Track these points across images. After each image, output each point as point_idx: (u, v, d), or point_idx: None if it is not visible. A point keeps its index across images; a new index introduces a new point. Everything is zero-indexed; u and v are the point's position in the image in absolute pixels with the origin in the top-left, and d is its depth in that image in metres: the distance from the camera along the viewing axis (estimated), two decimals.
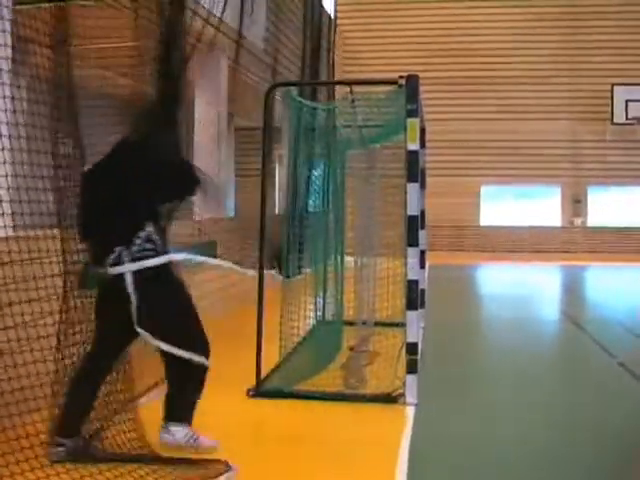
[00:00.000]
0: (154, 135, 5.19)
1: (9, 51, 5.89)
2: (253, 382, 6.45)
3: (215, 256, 10.08)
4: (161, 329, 4.77)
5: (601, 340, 9.15)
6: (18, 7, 6.32)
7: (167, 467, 4.51)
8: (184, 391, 5.08)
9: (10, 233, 5.08)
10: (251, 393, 6.36)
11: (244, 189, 18.57)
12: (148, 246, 4.75)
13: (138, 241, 4.73)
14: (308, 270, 8.27)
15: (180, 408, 5.06)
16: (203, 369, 5.06)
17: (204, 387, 5.13)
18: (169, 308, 4.87)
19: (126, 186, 4.78)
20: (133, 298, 4.66)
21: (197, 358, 4.97)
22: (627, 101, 23.47)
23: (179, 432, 4.99)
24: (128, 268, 4.67)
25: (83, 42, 6.19)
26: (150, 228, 4.79)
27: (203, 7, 9.91)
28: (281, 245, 7.23)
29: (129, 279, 4.67)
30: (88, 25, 6.48)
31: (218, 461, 4.57)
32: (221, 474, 4.42)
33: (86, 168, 5.16)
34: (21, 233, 5.19)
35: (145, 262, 4.70)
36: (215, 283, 10.22)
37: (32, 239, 4.95)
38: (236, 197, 19.78)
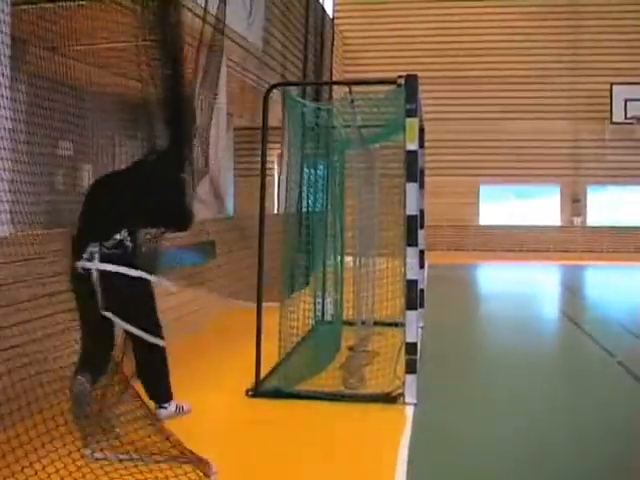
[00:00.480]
0: (162, 159, 5.75)
1: (7, 51, 5.89)
2: (252, 382, 6.45)
3: (214, 256, 10.09)
4: (124, 315, 5.37)
5: (600, 339, 9.15)
6: (16, 7, 6.31)
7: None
8: (158, 372, 5.72)
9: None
10: (250, 393, 6.36)
11: (243, 189, 18.56)
12: (117, 251, 5.37)
13: (110, 243, 5.36)
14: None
15: (163, 388, 5.73)
16: (163, 349, 5.71)
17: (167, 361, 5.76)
18: (129, 297, 5.43)
19: (118, 200, 5.48)
20: (98, 289, 5.28)
21: (156, 340, 5.61)
22: (626, 100, 23.45)
23: (171, 407, 5.69)
24: (96, 266, 5.30)
25: (85, 42, 6.20)
26: (125, 234, 5.42)
27: (201, 7, 9.91)
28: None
29: (95, 274, 5.29)
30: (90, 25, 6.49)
31: (202, 461, 4.50)
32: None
33: (99, 176, 5.80)
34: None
35: (107, 266, 5.32)
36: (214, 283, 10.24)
37: None
38: (235, 197, 19.76)
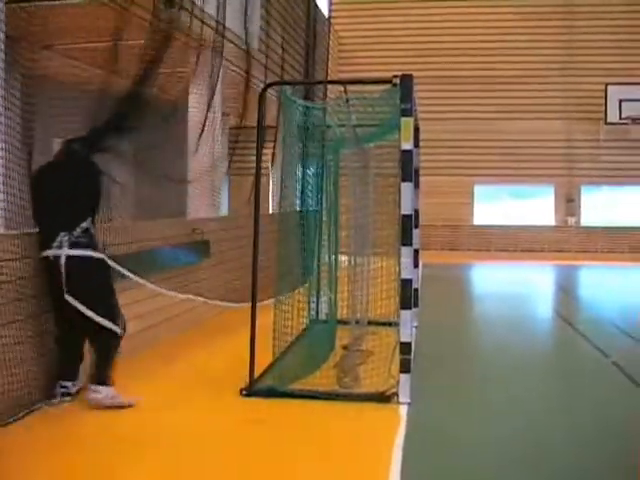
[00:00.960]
0: (100, 148, 6.39)
1: (1, 52, 5.89)
2: (246, 381, 6.44)
3: (209, 255, 10.08)
4: (85, 300, 5.85)
5: (595, 340, 9.16)
6: (9, 5, 6.31)
7: None
8: (106, 356, 6.05)
9: None
10: (244, 392, 6.35)
11: (238, 188, 18.53)
12: (83, 239, 5.92)
13: (77, 231, 5.90)
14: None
15: (104, 372, 6.02)
16: (118, 336, 6.06)
17: (118, 352, 6.14)
18: (92, 284, 5.97)
19: (74, 188, 6.02)
20: (63, 274, 5.78)
21: (113, 326, 5.99)
22: (621, 101, 23.49)
23: (104, 391, 5.96)
24: (65, 252, 5.82)
25: (76, 40, 6.21)
26: (89, 222, 6.02)
27: (196, 5, 9.91)
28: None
29: (62, 259, 5.80)
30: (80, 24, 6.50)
31: None
32: None
33: (37, 167, 6.34)
34: None
35: (76, 251, 5.87)
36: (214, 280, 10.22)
37: None
38: (229, 196, 19.74)
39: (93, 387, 5.97)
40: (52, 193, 6.00)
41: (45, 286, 6.01)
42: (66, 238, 5.84)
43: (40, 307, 6.01)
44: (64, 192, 5.96)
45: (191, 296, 8.95)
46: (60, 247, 5.83)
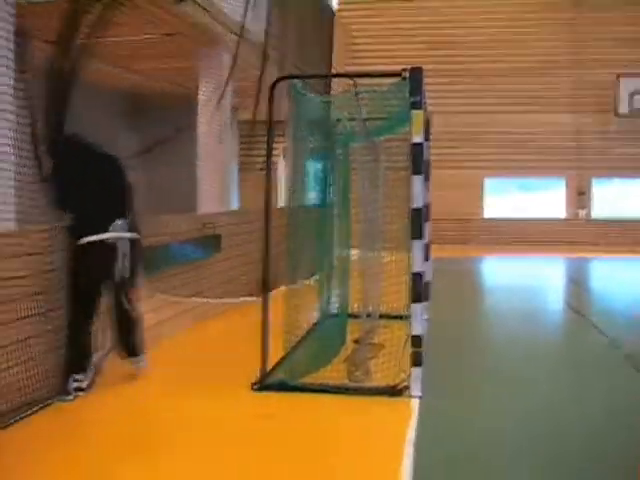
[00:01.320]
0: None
1: (11, 45, 5.90)
2: (258, 375, 6.45)
3: (219, 250, 10.09)
4: (136, 281, 6.69)
5: (607, 332, 9.14)
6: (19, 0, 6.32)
7: None
8: (139, 330, 6.80)
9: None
10: (256, 386, 6.36)
11: (248, 182, 18.54)
12: (132, 225, 6.55)
13: (129, 217, 6.51)
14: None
15: (141, 343, 6.79)
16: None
17: None
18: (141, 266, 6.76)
19: (123, 178, 6.75)
20: (121, 256, 6.37)
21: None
22: (632, 93, 23.37)
23: (144, 357, 6.78)
24: (128, 235, 6.45)
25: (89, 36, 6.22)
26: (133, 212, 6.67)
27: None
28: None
29: (123, 243, 6.40)
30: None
31: None
32: None
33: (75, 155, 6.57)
34: None
35: (133, 235, 6.54)
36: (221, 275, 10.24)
37: None
38: (240, 190, 19.76)
39: (137, 358, 6.74)
40: (104, 182, 6.50)
41: (72, 275, 6.23)
42: (124, 223, 6.40)
43: (54, 302, 6.08)
44: (116, 181, 6.64)
45: (196, 299, 9.02)
46: (119, 231, 6.35)
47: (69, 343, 6.19)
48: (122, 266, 6.37)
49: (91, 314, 6.35)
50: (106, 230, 6.28)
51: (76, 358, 6.21)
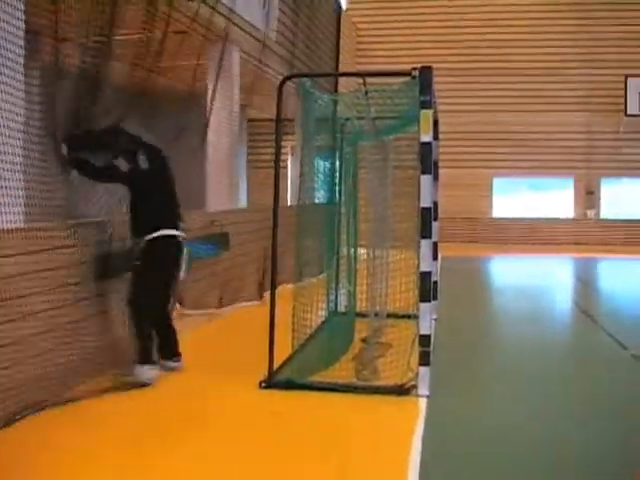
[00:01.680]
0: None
1: (22, 42, 5.91)
2: (265, 373, 6.46)
3: (228, 248, 10.10)
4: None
5: (614, 332, 9.12)
6: None
7: None
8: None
9: None
10: (263, 385, 6.37)
11: (257, 180, 18.58)
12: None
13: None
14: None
15: (177, 344, 6.93)
16: None
17: None
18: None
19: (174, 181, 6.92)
20: (184, 252, 6.69)
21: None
22: None
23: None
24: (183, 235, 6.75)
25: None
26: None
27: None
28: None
29: (184, 243, 6.71)
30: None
31: None
32: None
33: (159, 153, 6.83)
34: None
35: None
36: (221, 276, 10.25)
37: None
38: (249, 188, 19.80)
39: (176, 358, 6.86)
40: (171, 183, 6.83)
41: (148, 266, 6.46)
42: (182, 223, 6.77)
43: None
44: (172, 176, 6.86)
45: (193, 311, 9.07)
46: (181, 230, 6.70)
47: (151, 331, 6.57)
48: (182, 263, 6.69)
49: (166, 305, 6.79)
50: (176, 228, 6.63)
51: (166, 343, 6.76)
